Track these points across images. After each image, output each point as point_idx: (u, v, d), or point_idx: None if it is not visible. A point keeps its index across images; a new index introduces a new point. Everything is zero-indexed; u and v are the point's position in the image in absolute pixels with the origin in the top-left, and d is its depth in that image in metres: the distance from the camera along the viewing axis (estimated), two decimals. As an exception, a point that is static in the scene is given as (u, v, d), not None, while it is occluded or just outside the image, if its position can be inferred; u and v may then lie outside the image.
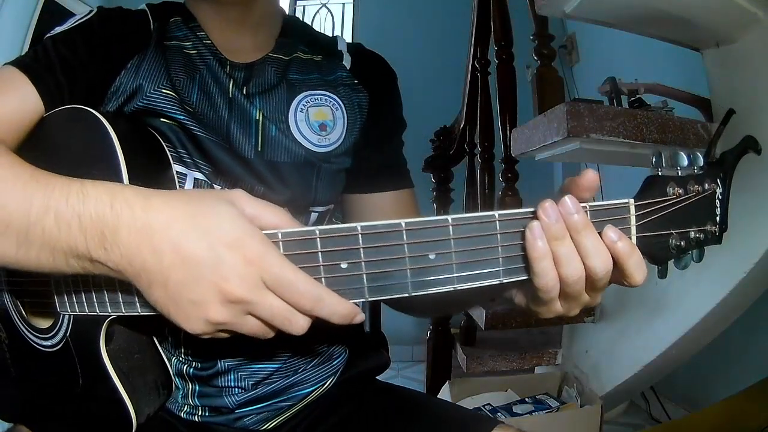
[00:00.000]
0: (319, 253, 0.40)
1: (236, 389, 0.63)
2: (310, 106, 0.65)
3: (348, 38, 0.63)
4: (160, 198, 0.40)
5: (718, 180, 0.43)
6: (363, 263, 0.40)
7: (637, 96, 1.38)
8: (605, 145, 1.17)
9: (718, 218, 0.43)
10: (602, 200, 0.42)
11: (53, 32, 0.60)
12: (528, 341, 1.83)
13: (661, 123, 1.18)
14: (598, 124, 1.13)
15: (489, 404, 1.54)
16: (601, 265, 0.40)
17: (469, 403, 1.58)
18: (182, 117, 0.60)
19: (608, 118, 1.14)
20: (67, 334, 0.54)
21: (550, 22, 1.53)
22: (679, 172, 0.43)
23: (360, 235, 0.39)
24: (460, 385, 1.63)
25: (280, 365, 0.65)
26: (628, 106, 1.37)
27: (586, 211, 0.40)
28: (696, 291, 1.27)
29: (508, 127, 1.59)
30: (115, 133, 0.49)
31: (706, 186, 0.42)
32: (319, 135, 0.64)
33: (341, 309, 0.40)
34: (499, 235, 0.40)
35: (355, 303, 0.41)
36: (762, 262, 1.10)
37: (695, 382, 1.87)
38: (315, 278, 0.40)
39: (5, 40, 2.38)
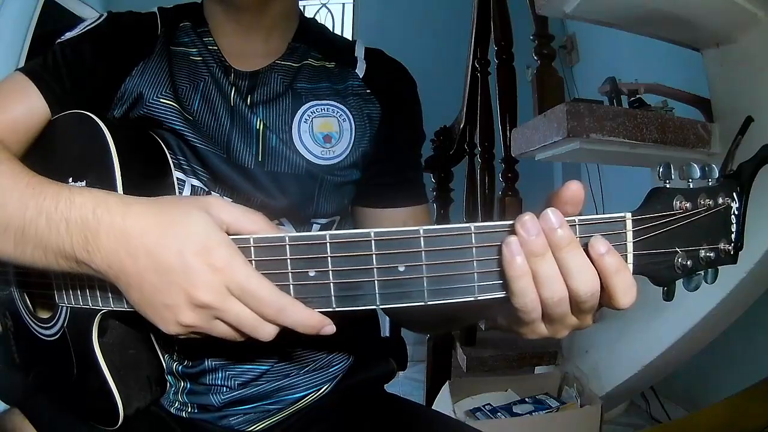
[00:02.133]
0: (288, 260, 0.40)
1: (223, 388, 0.63)
2: (315, 117, 0.63)
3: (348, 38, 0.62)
4: (139, 206, 0.42)
5: (734, 194, 0.39)
6: (330, 272, 0.39)
7: (637, 96, 1.38)
8: (605, 145, 1.17)
9: (733, 235, 0.39)
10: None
11: (63, 38, 0.62)
12: (528, 341, 1.81)
13: (661, 123, 1.18)
14: (598, 124, 1.13)
15: (489, 404, 1.54)
16: (585, 287, 0.37)
17: (469, 403, 1.57)
18: (180, 127, 0.60)
19: (608, 118, 1.14)
20: (65, 324, 0.56)
21: (550, 22, 1.53)
22: (690, 185, 0.39)
23: (328, 244, 0.39)
24: (460, 385, 1.63)
25: (268, 368, 0.64)
26: (628, 106, 1.37)
27: (573, 226, 0.38)
28: (696, 291, 1.27)
29: (508, 127, 1.59)
30: (114, 138, 0.52)
31: (720, 200, 0.39)
32: (323, 147, 0.63)
33: (305, 320, 0.40)
34: (474, 249, 0.38)
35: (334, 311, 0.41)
36: (762, 262, 1.10)
37: (695, 382, 1.87)
38: (283, 284, 0.40)
39: (5, 40, 2.38)
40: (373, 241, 0.38)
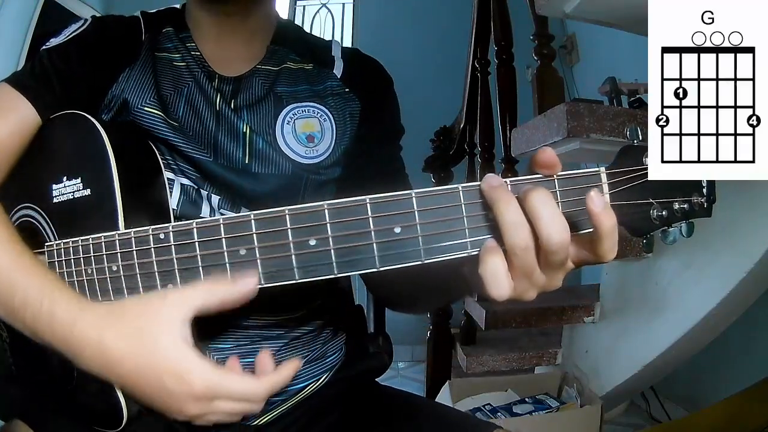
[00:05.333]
0: (289, 231, 0.41)
1: None
2: (297, 118, 0.65)
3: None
4: (113, 330, 0.44)
5: None
6: (330, 239, 0.41)
7: (637, 96, 1.38)
8: (605, 145, 1.17)
9: (704, 189, 0.41)
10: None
11: (49, 44, 0.62)
12: (528, 341, 1.83)
13: (661, 123, 1.18)
14: (598, 124, 1.13)
15: (489, 404, 1.54)
16: (557, 236, 0.38)
17: (469, 403, 1.58)
18: (166, 134, 0.61)
19: (608, 118, 1.14)
20: None
21: (550, 22, 1.53)
22: None
23: (326, 211, 0.40)
24: (460, 385, 1.64)
25: None
26: (628, 106, 1.37)
27: (552, 180, 0.40)
28: (696, 291, 1.27)
29: (508, 127, 1.59)
30: (109, 139, 0.52)
31: None
32: (307, 147, 0.65)
33: (287, 380, 0.48)
34: (463, 206, 0.40)
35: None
36: (762, 262, 1.10)
37: (695, 382, 1.88)
38: (285, 255, 0.41)
39: (5, 40, 2.38)
40: (368, 205, 0.40)
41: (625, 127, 0.42)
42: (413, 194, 0.40)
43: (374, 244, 0.40)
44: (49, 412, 0.60)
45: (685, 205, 0.41)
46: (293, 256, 0.41)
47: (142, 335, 0.43)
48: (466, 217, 0.40)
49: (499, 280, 0.39)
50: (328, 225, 0.40)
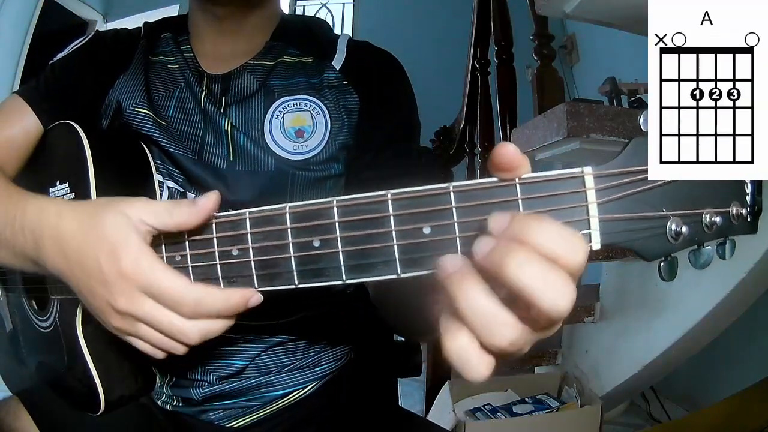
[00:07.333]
0: (214, 239, 0.39)
1: (204, 382, 0.63)
2: (286, 113, 0.63)
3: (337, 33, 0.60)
4: (71, 209, 0.44)
5: None
6: (251, 249, 0.38)
7: (637, 96, 1.38)
8: (605, 145, 1.17)
9: (748, 197, 0.31)
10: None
11: (54, 59, 0.68)
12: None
13: (661, 123, 1.18)
14: (598, 124, 1.13)
15: (489, 404, 1.54)
16: (561, 300, 0.27)
17: (469, 403, 1.58)
18: (153, 133, 0.63)
19: (608, 118, 1.14)
20: (56, 316, 0.59)
21: (550, 22, 1.54)
22: None
23: (247, 220, 0.38)
24: (460, 385, 1.63)
25: (248, 363, 0.63)
26: (628, 106, 1.37)
27: (512, 186, 0.31)
28: (696, 291, 1.27)
29: (508, 127, 1.60)
30: (92, 144, 0.56)
31: None
32: (295, 142, 0.62)
33: (225, 302, 0.39)
34: (392, 218, 0.33)
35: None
36: (762, 262, 1.10)
37: (695, 382, 1.87)
38: (211, 264, 0.39)
39: (5, 40, 2.38)
40: (288, 215, 0.36)
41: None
42: (335, 202, 0.35)
43: (292, 258, 0.36)
44: (46, 393, 0.62)
45: (718, 218, 0.31)
46: (218, 266, 0.39)
47: (94, 215, 0.42)
48: (396, 231, 0.33)
49: (471, 364, 0.29)
50: (249, 235, 0.38)
